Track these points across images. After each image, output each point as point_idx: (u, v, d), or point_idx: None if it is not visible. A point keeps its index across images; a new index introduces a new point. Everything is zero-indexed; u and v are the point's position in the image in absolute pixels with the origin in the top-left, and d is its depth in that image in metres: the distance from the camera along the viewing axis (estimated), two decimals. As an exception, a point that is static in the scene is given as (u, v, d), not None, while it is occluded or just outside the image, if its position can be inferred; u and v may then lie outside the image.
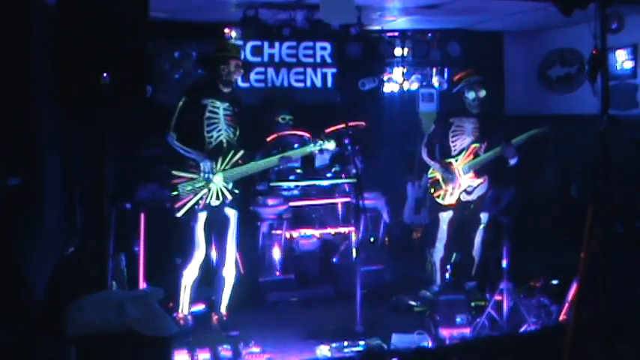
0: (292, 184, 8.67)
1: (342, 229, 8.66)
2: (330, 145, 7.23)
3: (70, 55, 4.17)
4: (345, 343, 6.47)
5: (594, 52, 4.84)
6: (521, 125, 8.02)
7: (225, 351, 6.34)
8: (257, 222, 8.43)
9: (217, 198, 6.79)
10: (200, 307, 7.28)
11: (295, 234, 8.50)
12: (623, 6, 7.74)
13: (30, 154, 4.77)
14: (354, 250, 8.02)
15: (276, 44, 9.90)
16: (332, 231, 8.66)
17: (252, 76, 9.81)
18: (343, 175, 8.77)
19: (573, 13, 5.12)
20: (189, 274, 6.86)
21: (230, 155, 6.78)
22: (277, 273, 8.34)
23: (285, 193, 8.62)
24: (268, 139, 8.67)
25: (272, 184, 8.61)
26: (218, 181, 6.73)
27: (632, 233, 4.95)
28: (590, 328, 4.92)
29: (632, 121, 8.12)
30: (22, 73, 4.36)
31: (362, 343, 6.50)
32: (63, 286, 4.75)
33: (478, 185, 7.81)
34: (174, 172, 6.73)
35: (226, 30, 8.92)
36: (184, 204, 6.68)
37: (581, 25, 4.93)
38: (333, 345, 6.44)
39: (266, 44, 9.83)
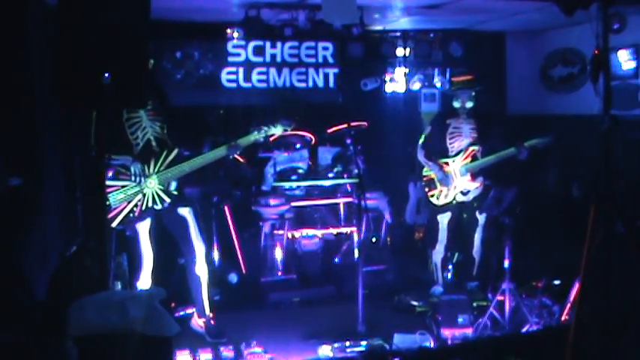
0: (294, 185, 8.67)
1: (344, 230, 8.66)
2: (277, 130, 6.86)
3: (70, 54, 4.16)
4: (347, 343, 6.45)
5: (596, 52, 4.83)
6: (523, 125, 8.01)
7: (227, 351, 6.34)
8: (259, 222, 8.44)
9: (155, 203, 6.48)
10: (190, 310, 7.11)
11: (297, 234, 8.50)
12: (625, 6, 7.72)
13: (31, 154, 4.77)
14: (356, 251, 8.01)
15: (278, 44, 9.90)
16: (334, 231, 8.67)
17: (254, 76, 9.81)
18: (345, 176, 8.77)
19: (575, 13, 5.12)
20: (142, 285, 6.58)
21: (163, 156, 6.45)
22: (279, 273, 8.34)
23: (288, 193, 8.62)
24: (271, 139, 8.66)
25: (274, 184, 8.62)
26: (153, 186, 6.43)
27: (634, 233, 4.93)
28: (593, 328, 4.91)
29: (633, 121, 8.10)
30: (23, 73, 4.36)
31: (364, 343, 6.48)
32: (64, 286, 4.74)
33: (474, 188, 7.81)
34: None
35: (228, 30, 8.91)
36: (117, 213, 6.35)
37: (583, 25, 4.91)
38: (335, 345, 6.43)
39: (268, 44, 9.84)
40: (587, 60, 5.77)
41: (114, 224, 6.30)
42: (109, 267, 5.96)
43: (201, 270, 6.75)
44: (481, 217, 7.87)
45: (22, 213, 4.47)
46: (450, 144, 7.84)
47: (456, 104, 7.79)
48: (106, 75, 4.22)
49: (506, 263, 6.70)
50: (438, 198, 7.89)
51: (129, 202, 6.40)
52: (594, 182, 4.90)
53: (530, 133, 7.76)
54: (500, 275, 6.89)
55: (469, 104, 7.75)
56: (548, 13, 7.70)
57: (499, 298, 6.78)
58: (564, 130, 7.87)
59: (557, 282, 7.38)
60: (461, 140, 7.81)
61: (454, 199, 7.84)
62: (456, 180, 7.80)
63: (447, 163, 7.82)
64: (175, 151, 6.49)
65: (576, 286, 6.07)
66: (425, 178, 8.01)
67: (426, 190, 8.00)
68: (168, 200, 6.49)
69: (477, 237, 7.94)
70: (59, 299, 4.30)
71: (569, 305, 6.54)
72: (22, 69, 4.41)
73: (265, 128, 6.80)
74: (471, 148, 7.77)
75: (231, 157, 6.71)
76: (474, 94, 7.74)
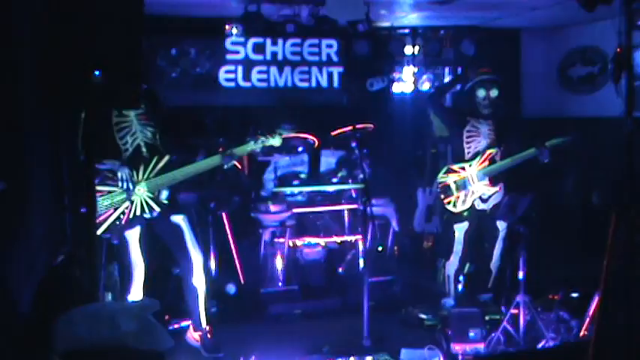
0: (296, 190, 8.65)
1: (348, 238, 8.65)
2: (275, 142, 6.92)
3: (58, 50, 4.14)
4: (352, 359, 6.45)
5: (618, 50, 4.80)
6: (539, 129, 7.98)
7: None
8: (258, 229, 8.44)
9: (144, 211, 6.46)
10: (185, 323, 7.08)
11: (299, 242, 8.49)
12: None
13: (15, 157, 4.74)
14: (361, 260, 8.01)
15: (280, 41, 9.90)
16: (338, 239, 8.66)
17: (254, 75, 9.80)
18: (350, 181, 8.74)
19: (596, 8, 5.09)
20: (134, 297, 6.50)
21: (153, 162, 6.46)
22: (280, 284, 8.34)
23: (289, 199, 8.60)
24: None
25: (275, 189, 8.60)
26: (141, 193, 6.42)
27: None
28: (613, 344, 4.87)
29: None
30: (7, 71, 4.32)
31: (369, 358, 6.48)
32: (51, 298, 4.70)
33: (494, 193, 7.77)
34: None
35: (227, 26, 8.89)
36: (103, 220, 6.31)
37: (604, 21, 4.90)
38: (339, 360, 6.44)
39: (268, 41, 9.83)
40: (609, 59, 5.74)
41: (99, 232, 6.24)
42: (99, 277, 5.95)
43: (198, 281, 6.72)
44: (501, 226, 7.80)
45: (6, 219, 4.44)
46: (467, 144, 7.80)
47: (481, 93, 7.71)
48: (97, 73, 4.20)
49: (521, 274, 6.67)
50: (454, 205, 7.83)
51: (115, 209, 6.38)
52: (616, 189, 4.87)
53: (547, 137, 7.72)
54: (514, 287, 6.87)
55: (494, 92, 7.69)
56: (567, 9, 7.65)
57: (513, 311, 6.75)
58: (583, 133, 7.84)
59: (575, 295, 7.35)
60: (478, 141, 7.76)
61: (472, 205, 7.79)
62: (474, 185, 7.75)
63: (462, 168, 7.78)
64: (166, 158, 6.48)
65: (596, 300, 6.03)
66: (440, 185, 7.95)
67: (442, 197, 7.94)
68: (157, 209, 6.49)
69: (497, 248, 7.88)
70: (45, 312, 4.27)
71: (588, 320, 6.50)
72: (6, 66, 4.38)
73: (263, 138, 6.83)
74: (489, 151, 7.73)
75: (225, 166, 6.70)
76: (497, 85, 7.71)
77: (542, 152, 7.61)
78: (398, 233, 9.10)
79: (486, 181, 7.76)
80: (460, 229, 7.87)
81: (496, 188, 7.79)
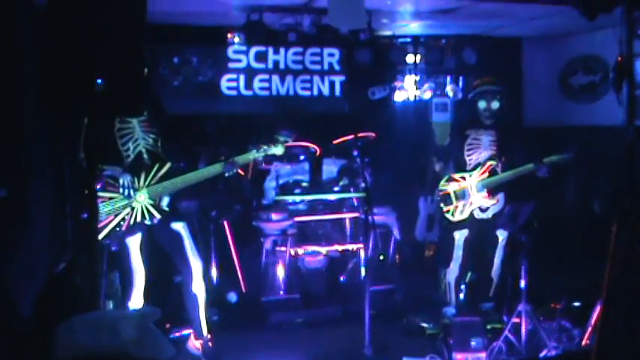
0: (298, 198, 8.64)
1: (350, 246, 8.63)
2: (278, 150, 6.89)
3: (61, 58, 4.14)
4: (353, 368, 6.44)
5: (619, 59, 4.80)
6: (540, 138, 7.96)
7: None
8: (260, 238, 8.42)
9: (144, 217, 6.44)
10: (186, 331, 7.03)
11: (300, 251, 8.47)
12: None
13: (17, 164, 4.75)
14: (362, 269, 7.99)
15: (282, 50, 9.89)
16: (339, 248, 8.63)
17: (256, 83, 9.79)
18: (352, 189, 8.73)
19: (597, 17, 5.10)
20: (134, 304, 6.51)
21: (155, 169, 6.44)
22: (281, 292, 8.31)
23: (290, 207, 8.59)
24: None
25: (276, 198, 8.59)
26: (142, 199, 6.40)
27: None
28: (615, 353, 4.86)
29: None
30: (10, 79, 4.33)
31: (371, 367, 6.46)
32: (52, 306, 4.71)
33: (492, 205, 7.76)
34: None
35: (229, 35, 8.90)
36: (103, 227, 6.27)
37: (605, 30, 4.90)
38: (340, 369, 6.43)
39: (270, 50, 9.83)
40: (610, 67, 5.74)
41: (99, 237, 6.18)
42: (100, 285, 5.93)
43: (198, 288, 6.69)
44: (501, 235, 7.79)
45: (7, 225, 4.45)
46: (468, 156, 7.80)
47: (482, 104, 7.71)
48: (99, 80, 4.20)
49: (523, 283, 6.66)
50: (453, 214, 7.82)
51: (116, 216, 6.36)
52: (617, 197, 4.86)
53: (548, 146, 7.71)
54: (516, 296, 6.85)
55: (495, 104, 7.68)
56: (569, 18, 7.65)
57: (515, 320, 6.73)
58: (585, 141, 7.83)
59: (577, 304, 7.34)
60: (479, 153, 7.75)
61: (471, 214, 7.78)
62: (473, 196, 7.74)
63: (463, 178, 7.77)
64: (168, 165, 6.47)
65: (598, 309, 6.02)
66: (441, 193, 7.94)
67: (442, 205, 7.93)
68: (158, 216, 6.47)
69: (498, 256, 7.86)
70: (46, 319, 4.27)
71: (590, 329, 6.49)
72: (9, 74, 4.39)
73: (265, 147, 6.81)
74: (489, 163, 7.71)
75: (226, 174, 6.69)
76: (499, 96, 7.70)
77: (540, 169, 7.59)
78: (399, 242, 9.08)
79: (485, 193, 7.75)
80: (460, 236, 7.86)
81: (494, 200, 7.77)
